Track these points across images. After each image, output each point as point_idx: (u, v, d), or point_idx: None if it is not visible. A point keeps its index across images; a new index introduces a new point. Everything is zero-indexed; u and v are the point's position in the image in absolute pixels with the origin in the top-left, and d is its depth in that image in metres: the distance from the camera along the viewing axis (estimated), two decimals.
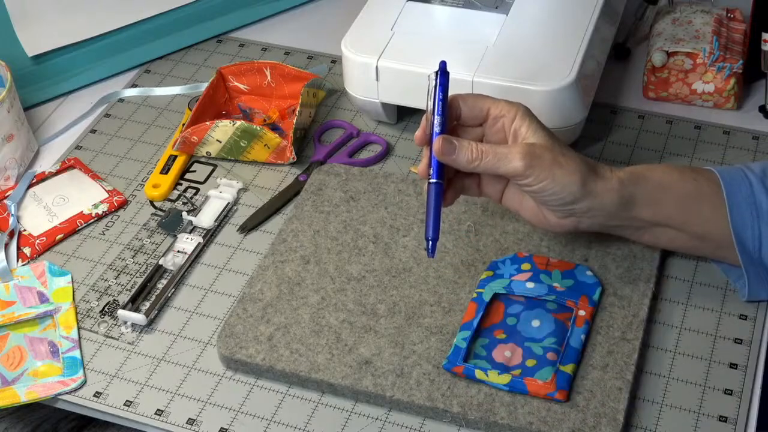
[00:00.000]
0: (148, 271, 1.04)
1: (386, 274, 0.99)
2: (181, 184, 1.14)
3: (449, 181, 0.92)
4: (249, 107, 1.22)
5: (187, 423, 0.91)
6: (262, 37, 1.34)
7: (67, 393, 0.94)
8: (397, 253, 1.01)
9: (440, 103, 0.89)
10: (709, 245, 0.96)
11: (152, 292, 1.02)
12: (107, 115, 1.24)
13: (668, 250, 0.99)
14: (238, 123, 1.11)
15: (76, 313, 1.01)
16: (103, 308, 1.01)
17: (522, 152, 0.88)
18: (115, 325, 1.00)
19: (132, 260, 1.06)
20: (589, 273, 0.97)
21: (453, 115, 0.92)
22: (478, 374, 0.89)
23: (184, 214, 1.09)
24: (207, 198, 1.11)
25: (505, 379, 0.88)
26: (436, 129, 0.89)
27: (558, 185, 0.89)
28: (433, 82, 0.90)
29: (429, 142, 0.90)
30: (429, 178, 0.90)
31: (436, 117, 0.89)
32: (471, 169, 0.90)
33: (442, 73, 0.90)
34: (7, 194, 1.13)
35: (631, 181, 0.91)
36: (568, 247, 1.00)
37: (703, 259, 1.00)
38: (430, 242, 0.90)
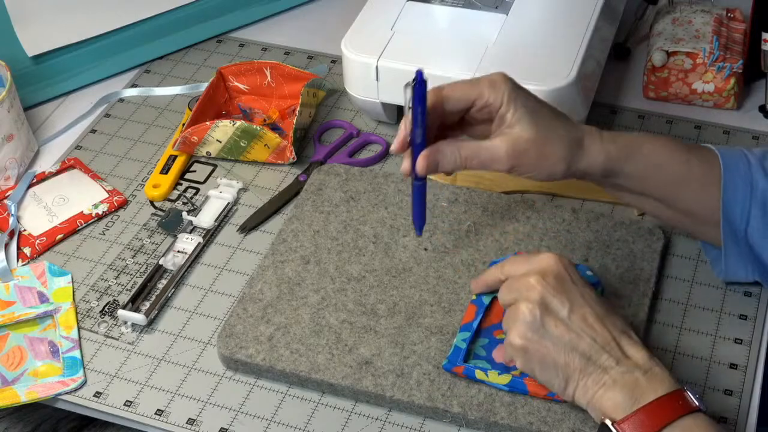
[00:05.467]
0: (148, 271, 1.04)
1: (386, 274, 0.99)
2: (181, 184, 1.14)
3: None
4: (249, 107, 1.22)
5: (187, 423, 0.91)
6: (262, 37, 1.34)
7: (67, 393, 0.94)
8: (397, 253, 1.01)
9: (420, 116, 0.86)
10: (690, 220, 0.96)
11: (152, 292, 1.02)
12: (107, 115, 1.24)
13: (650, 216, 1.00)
14: (238, 123, 1.11)
15: (76, 313, 1.01)
16: (103, 308, 1.01)
17: (506, 153, 0.88)
18: (115, 325, 1.00)
19: (132, 260, 1.06)
20: (589, 273, 0.96)
21: (436, 119, 0.89)
22: (478, 374, 0.89)
23: (184, 214, 1.09)
24: (207, 198, 1.11)
25: (505, 379, 0.88)
26: (417, 140, 0.87)
27: (543, 174, 0.90)
28: (410, 93, 0.84)
29: (410, 145, 0.88)
30: (413, 179, 0.91)
31: (416, 130, 0.87)
32: (457, 171, 0.90)
33: (420, 83, 0.84)
34: (7, 194, 1.13)
35: (620, 157, 0.91)
36: (568, 248, 1.00)
37: (703, 260, 1.00)
38: (417, 225, 0.95)
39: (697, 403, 0.79)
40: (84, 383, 0.95)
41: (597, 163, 0.91)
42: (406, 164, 0.90)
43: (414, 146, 0.88)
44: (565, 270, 0.85)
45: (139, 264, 1.05)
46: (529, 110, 0.89)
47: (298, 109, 1.14)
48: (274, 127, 1.18)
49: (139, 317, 0.98)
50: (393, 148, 0.89)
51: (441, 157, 0.88)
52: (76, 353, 0.97)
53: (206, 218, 1.08)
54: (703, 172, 0.92)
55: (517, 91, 0.89)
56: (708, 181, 0.92)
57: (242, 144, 1.13)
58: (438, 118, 0.89)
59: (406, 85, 0.85)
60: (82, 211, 1.10)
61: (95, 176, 1.15)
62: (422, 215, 0.94)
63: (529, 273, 0.85)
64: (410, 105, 0.85)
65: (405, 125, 0.87)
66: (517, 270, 0.87)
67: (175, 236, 1.07)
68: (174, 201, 1.12)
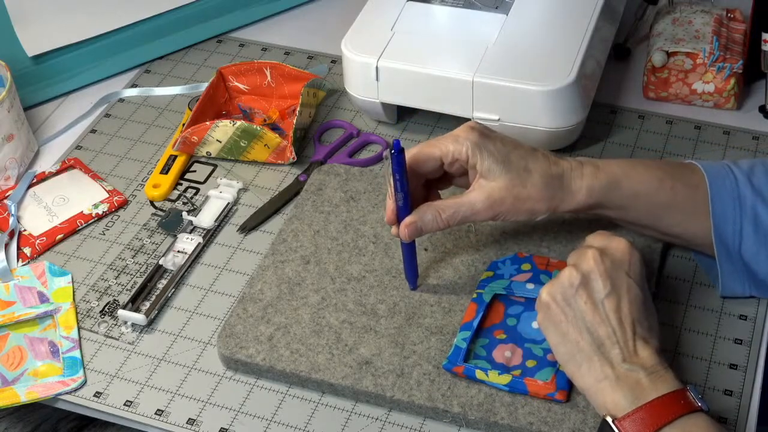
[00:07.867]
0: (148, 271, 1.04)
1: (386, 274, 0.99)
2: (181, 184, 1.14)
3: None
4: (249, 107, 1.22)
5: (187, 423, 0.91)
6: (262, 37, 1.34)
7: (67, 393, 0.94)
8: (397, 253, 1.01)
9: (399, 183, 0.90)
10: (680, 241, 0.97)
11: (152, 292, 1.02)
12: (107, 115, 1.24)
13: None
14: (238, 123, 1.11)
15: (76, 313, 1.01)
16: (103, 308, 1.01)
17: (483, 205, 0.90)
18: (115, 325, 1.00)
19: (132, 260, 1.06)
20: None
21: (416, 179, 0.92)
22: (479, 374, 0.89)
23: (184, 214, 1.09)
24: (207, 198, 1.11)
25: (505, 379, 0.88)
26: (400, 203, 0.91)
27: (525, 216, 0.92)
28: (389, 160, 0.89)
29: (397, 212, 0.92)
30: (401, 241, 0.94)
31: (398, 194, 0.90)
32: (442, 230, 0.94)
33: (398, 152, 0.88)
34: (7, 194, 1.13)
35: (602, 192, 0.92)
36: (568, 248, 1.00)
37: None
38: (410, 280, 0.97)
39: (699, 404, 0.79)
40: (84, 383, 0.95)
41: (579, 198, 0.92)
42: (394, 229, 0.93)
43: (399, 209, 0.92)
44: (628, 260, 0.85)
45: (139, 264, 1.05)
46: (499, 157, 0.90)
47: (298, 109, 1.14)
48: (274, 127, 1.18)
49: (139, 317, 0.98)
50: (386, 219, 0.93)
51: (423, 224, 0.92)
52: (76, 353, 0.97)
53: (206, 218, 1.08)
54: (688, 198, 0.93)
55: (483, 139, 0.90)
56: (694, 206, 0.93)
57: (242, 144, 1.13)
58: (417, 178, 0.92)
59: (385, 156, 0.88)
60: (82, 211, 1.10)
61: (95, 176, 1.15)
62: (414, 270, 0.97)
63: (597, 247, 0.86)
64: (391, 172, 0.89)
65: (390, 195, 0.91)
66: (595, 241, 0.88)
67: (175, 236, 1.07)
68: (174, 201, 1.12)
